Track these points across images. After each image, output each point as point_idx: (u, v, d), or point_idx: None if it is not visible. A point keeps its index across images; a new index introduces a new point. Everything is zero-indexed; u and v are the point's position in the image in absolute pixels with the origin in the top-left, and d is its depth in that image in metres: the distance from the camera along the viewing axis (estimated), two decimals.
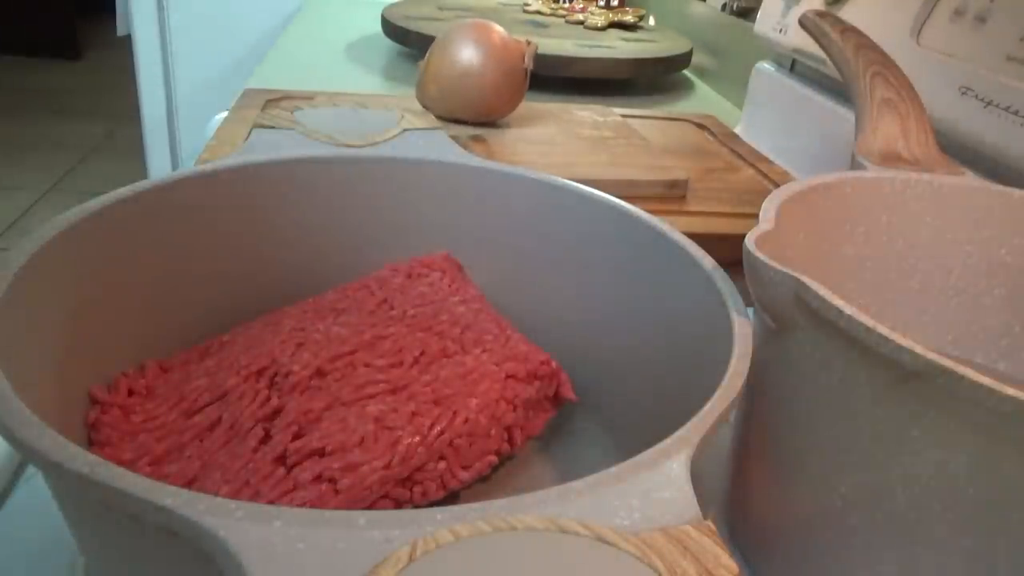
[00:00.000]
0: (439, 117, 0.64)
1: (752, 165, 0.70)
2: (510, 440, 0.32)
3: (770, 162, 0.71)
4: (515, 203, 0.40)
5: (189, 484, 0.28)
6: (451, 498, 0.30)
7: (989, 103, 0.51)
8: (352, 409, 0.30)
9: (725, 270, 0.32)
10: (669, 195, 0.60)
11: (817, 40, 0.51)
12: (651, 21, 1.26)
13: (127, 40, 1.59)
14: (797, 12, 0.73)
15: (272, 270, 0.40)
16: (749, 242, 0.27)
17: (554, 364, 0.35)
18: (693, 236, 0.34)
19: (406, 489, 0.29)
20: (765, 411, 0.29)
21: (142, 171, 1.81)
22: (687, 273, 0.33)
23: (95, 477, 0.19)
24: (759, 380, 0.29)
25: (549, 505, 0.19)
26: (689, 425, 0.22)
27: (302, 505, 0.27)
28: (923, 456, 0.24)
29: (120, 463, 0.19)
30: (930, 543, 0.25)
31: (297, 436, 0.29)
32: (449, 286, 0.38)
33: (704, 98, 1.07)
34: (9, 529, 0.32)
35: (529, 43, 0.67)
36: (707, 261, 0.32)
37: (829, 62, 0.50)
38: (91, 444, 0.29)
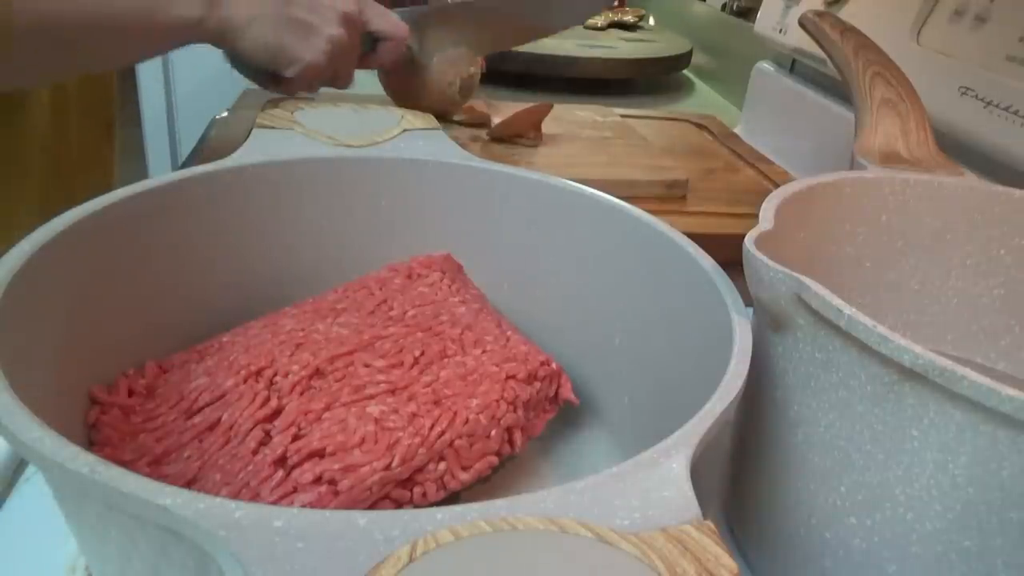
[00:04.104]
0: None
1: (752, 165, 0.70)
2: (510, 441, 0.32)
3: (770, 162, 0.71)
4: (515, 203, 0.40)
5: (188, 485, 0.28)
6: (451, 499, 0.30)
7: (989, 103, 0.51)
8: (352, 410, 0.30)
9: (725, 270, 0.32)
10: (669, 195, 0.60)
11: (817, 40, 0.51)
12: (651, 21, 1.26)
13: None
14: (797, 12, 0.73)
15: (272, 270, 0.40)
16: (749, 242, 0.27)
17: (554, 365, 0.35)
18: (693, 236, 0.34)
19: (406, 490, 0.29)
20: (765, 411, 0.29)
21: (142, 171, 1.81)
22: (687, 273, 0.33)
23: (95, 477, 0.19)
24: (759, 380, 0.29)
25: (549, 505, 0.19)
26: (689, 425, 0.22)
27: (302, 507, 0.27)
28: (923, 456, 0.24)
29: (120, 463, 0.19)
30: (930, 543, 0.25)
31: (297, 437, 0.29)
32: (449, 287, 0.38)
33: (704, 98, 1.07)
34: (9, 529, 0.32)
35: None
36: (707, 261, 0.32)
37: (829, 62, 0.50)
38: (91, 444, 0.29)
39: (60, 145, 0.59)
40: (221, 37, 0.48)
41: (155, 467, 0.29)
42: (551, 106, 0.64)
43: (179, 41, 0.48)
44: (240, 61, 0.51)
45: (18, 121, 0.56)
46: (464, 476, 0.30)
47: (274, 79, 0.52)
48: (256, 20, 0.48)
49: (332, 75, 0.52)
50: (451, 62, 0.63)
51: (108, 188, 0.41)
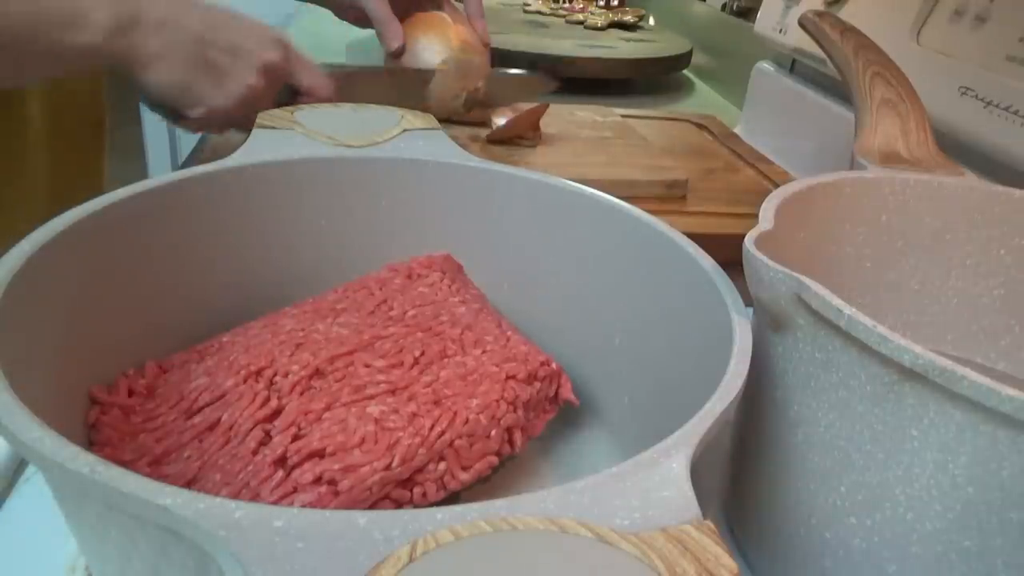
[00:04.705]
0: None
1: (752, 165, 0.70)
2: (510, 441, 0.32)
3: (770, 162, 0.71)
4: (515, 203, 0.40)
5: (188, 485, 0.28)
6: (451, 499, 0.30)
7: (989, 103, 0.51)
8: (352, 410, 0.30)
9: (725, 270, 0.32)
10: (669, 195, 0.60)
11: (817, 40, 0.51)
12: (651, 21, 1.26)
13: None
14: (797, 12, 0.73)
15: (272, 270, 0.40)
16: (749, 242, 0.27)
17: (555, 365, 0.35)
18: (693, 236, 0.34)
19: (406, 490, 0.29)
20: (765, 411, 0.29)
21: (142, 171, 1.81)
22: (687, 273, 0.33)
23: (95, 477, 0.19)
24: (759, 380, 0.29)
25: (549, 505, 0.19)
26: (689, 425, 0.22)
27: (302, 507, 0.27)
28: (923, 456, 0.24)
29: (120, 463, 0.19)
30: (930, 543, 0.25)
31: (297, 437, 0.29)
32: (449, 287, 0.38)
33: (704, 98, 1.07)
34: (9, 529, 0.32)
35: (487, 46, 0.66)
36: (707, 261, 0.32)
37: (829, 62, 0.50)
38: (92, 444, 0.29)
39: (54, 142, 0.59)
40: (124, 65, 0.47)
41: (155, 467, 0.29)
42: (547, 105, 0.64)
43: (81, 64, 0.47)
44: (144, 92, 0.50)
45: (15, 118, 0.56)
46: (464, 476, 0.30)
47: (176, 115, 0.50)
48: (167, 55, 0.46)
49: (241, 120, 0.51)
50: (460, 76, 0.63)
51: (99, 186, 0.41)
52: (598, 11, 1.21)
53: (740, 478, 0.33)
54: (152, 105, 0.52)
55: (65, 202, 0.31)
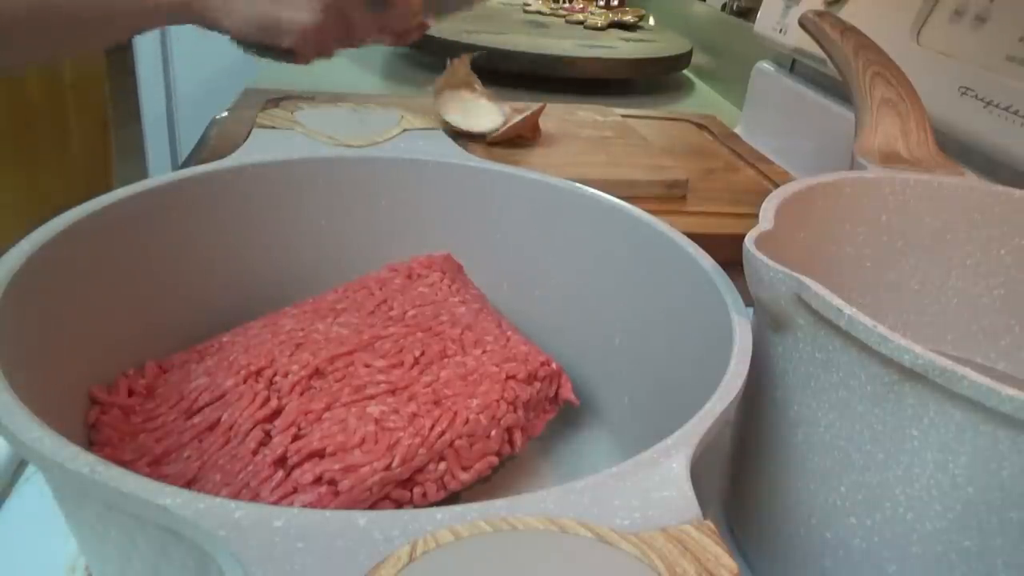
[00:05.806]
0: None
1: (752, 165, 0.70)
2: (510, 441, 0.32)
3: (770, 162, 0.71)
4: (515, 203, 0.40)
5: (188, 485, 0.28)
6: (451, 499, 0.30)
7: (989, 103, 0.51)
8: (352, 410, 0.30)
9: (725, 270, 0.32)
10: (669, 195, 0.60)
11: (817, 40, 0.51)
12: (651, 21, 1.26)
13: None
14: (797, 12, 0.73)
15: (272, 270, 0.40)
16: (749, 242, 0.27)
17: (555, 365, 0.35)
18: (693, 236, 0.34)
19: (406, 490, 0.29)
20: (765, 411, 0.29)
21: (142, 171, 1.81)
22: (687, 273, 0.33)
23: (95, 477, 0.19)
24: (759, 380, 0.29)
25: (549, 505, 0.19)
26: (689, 425, 0.22)
27: (302, 507, 0.27)
28: (923, 456, 0.24)
29: (120, 463, 0.19)
30: (930, 543, 0.25)
31: (297, 437, 0.29)
32: (449, 287, 0.38)
33: (704, 98, 1.07)
34: (9, 529, 0.32)
35: None
36: (707, 261, 0.32)
37: (829, 62, 0.50)
38: (91, 444, 0.29)
39: (61, 144, 0.59)
40: (203, 17, 0.46)
41: (155, 467, 0.29)
42: (544, 105, 0.64)
43: (154, 23, 0.47)
44: (234, 39, 0.49)
45: (20, 119, 0.56)
46: (464, 476, 0.30)
47: (283, 52, 0.49)
48: None
49: (345, 33, 0.49)
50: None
51: (108, 186, 0.41)
52: (598, 11, 1.21)
53: (740, 478, 0.33)
54: (251, 51, 0.51)
55: (75, 204, 0.31)
